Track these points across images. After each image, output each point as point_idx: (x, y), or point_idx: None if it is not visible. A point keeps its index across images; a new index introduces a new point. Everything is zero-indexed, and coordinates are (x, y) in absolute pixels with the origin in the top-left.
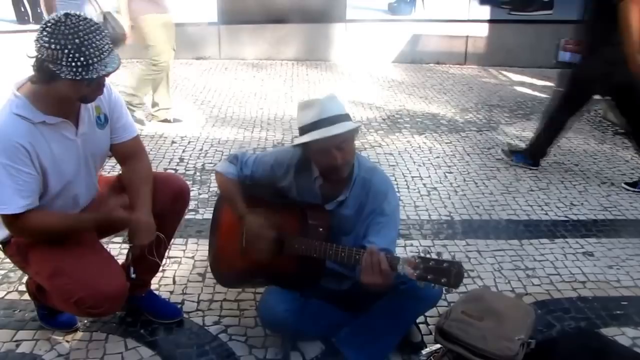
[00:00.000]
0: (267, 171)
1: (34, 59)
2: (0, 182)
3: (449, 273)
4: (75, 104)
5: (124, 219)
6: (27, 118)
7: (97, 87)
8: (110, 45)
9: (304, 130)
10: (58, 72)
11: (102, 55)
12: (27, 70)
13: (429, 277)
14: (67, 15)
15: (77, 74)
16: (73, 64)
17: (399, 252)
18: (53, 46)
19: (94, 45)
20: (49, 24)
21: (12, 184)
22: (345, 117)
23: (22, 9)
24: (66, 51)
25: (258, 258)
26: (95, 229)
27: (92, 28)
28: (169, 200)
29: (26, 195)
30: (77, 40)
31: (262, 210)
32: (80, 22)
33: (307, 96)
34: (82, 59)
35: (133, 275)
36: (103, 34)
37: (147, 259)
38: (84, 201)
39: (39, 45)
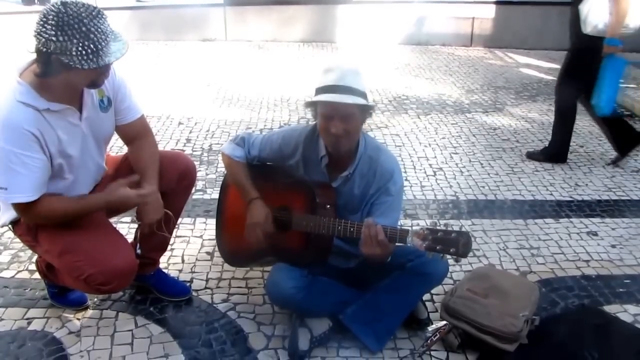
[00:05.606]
0: (275, 150)
1: (39, 54)
2: (14, 171)
3: (457, 243)
4: (78, 90)
5: (132, 197)
6: (32, 105)
7: (105, 70)
8: (112, 28)
9: (318, 91)
10: (69, 62)
11: (108, 39)
12: (31, 53)
13: (437, 247)
14: (64, 4)
15: (90, 61)
16: (83, 52)
17: None
18: (61, 38)
19: (99, 30)
20: (50, 17)
21: (26, 172)
22: (361, 94)
23: None
24: (75, 41)
25: (251, 245)
26: (105, 209)
27: (94, 13)
28: (176, 178)
29: (39, 182)
30: (83, 28)
31: (270, 191)
32: (81, 9)
33: (313, 78)
34: (91, 46)
35: (138, 251)
36: (104, 17)
37: (156, 236)
38: (90, 183)
39: (43, 39)
